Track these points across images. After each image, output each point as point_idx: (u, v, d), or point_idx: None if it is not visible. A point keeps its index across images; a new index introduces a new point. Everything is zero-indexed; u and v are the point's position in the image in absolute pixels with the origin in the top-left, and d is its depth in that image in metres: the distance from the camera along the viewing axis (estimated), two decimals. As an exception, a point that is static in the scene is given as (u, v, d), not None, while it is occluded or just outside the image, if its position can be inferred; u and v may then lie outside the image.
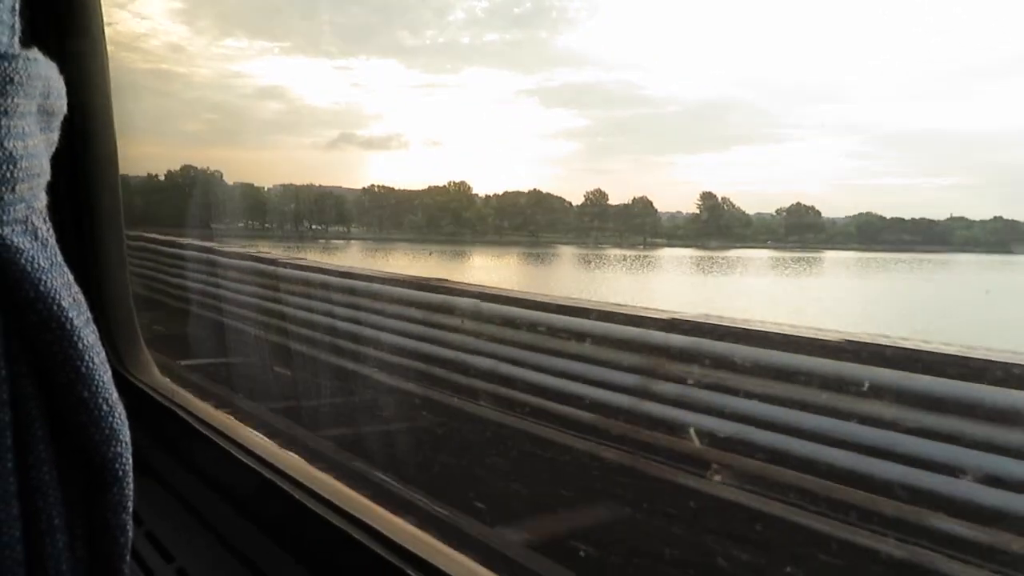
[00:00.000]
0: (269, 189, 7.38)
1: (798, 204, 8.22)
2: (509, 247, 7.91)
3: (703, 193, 7.78)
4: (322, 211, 6.96)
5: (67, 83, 0.62)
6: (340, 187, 7.54)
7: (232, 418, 1.70)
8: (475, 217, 7.68)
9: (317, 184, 7.36)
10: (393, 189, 7.31)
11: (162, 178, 6.65)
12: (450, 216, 7.37)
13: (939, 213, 6.42)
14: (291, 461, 1.62)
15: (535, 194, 8.26)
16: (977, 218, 6.30)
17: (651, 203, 9.48)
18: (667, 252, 8.79)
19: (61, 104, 0.59)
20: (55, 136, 0.59)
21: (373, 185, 7.34)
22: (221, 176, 6.86)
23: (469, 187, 7.50)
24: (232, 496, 1.64)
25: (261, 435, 1.67)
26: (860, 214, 7.19)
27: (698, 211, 7.81)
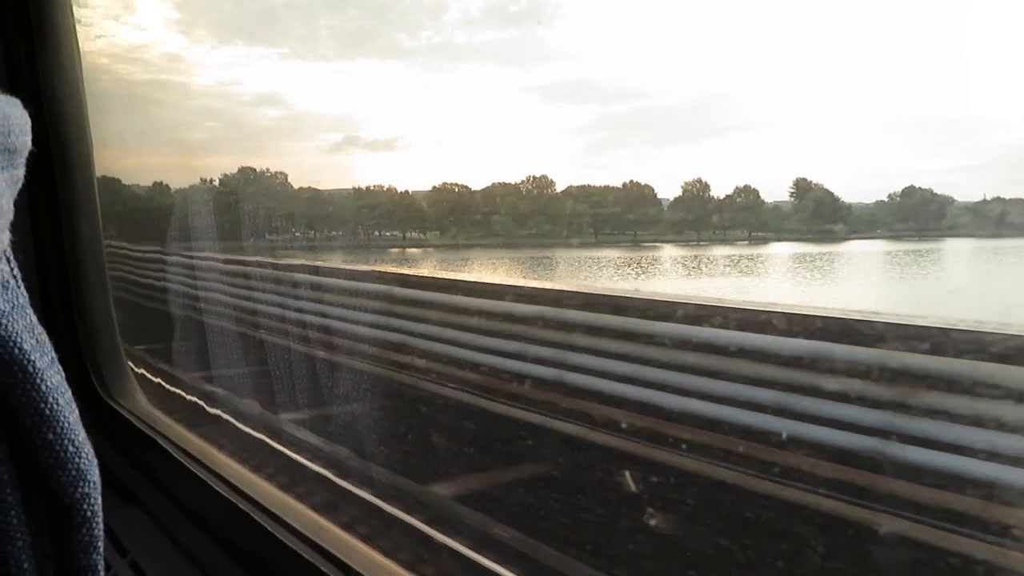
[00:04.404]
0: (330, 192, 7.30)
1: (911, 187, 7.68)
2: (604, 248, 7.67)
3: (797, 180, 7.36)
4: (398, 217, 6.88)
5: (43, 113, 0.61)
6: (411, 190, 7.28)
7: (211, 446, 1.69)
8: (569, 216, 7.44)
9: (386, 187, 7.12)
10: (469, 188, 7.09)
11: (216, 182, 6.64)
12: (540, 216, 7.19)
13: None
14: (263, 489, 1.59)
15: (632, 187, 7.94)
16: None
17: (757, 193, 8.98)
18: (786, 248, 8.30)
19: (24, 140, 0.59)
20: (19, 172, 0.59)
21: (445, 184, 7.13)
22: (286, 178, 6.83)
23: (552, 182, 7.22)
24: (209, 526, 1.63)
25: (237, 463, 1.65)
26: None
27: (794, 200, 7.39)
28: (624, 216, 7.42)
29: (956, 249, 7.30)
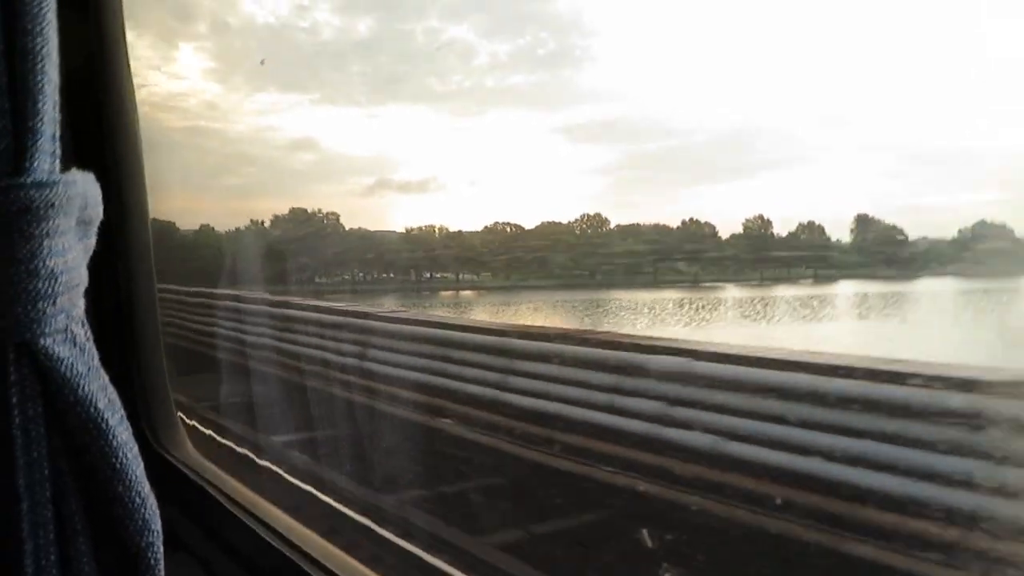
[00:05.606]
0: (382, 233, 7.36)
1: (982, 222, 7.38)
2: (664, 288, 7.56)
3: (858, 216, 7.17)
4: (452, 258, 6.90)
5: (106, 173, 0.63)
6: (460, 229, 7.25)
7: (259, 496, 1.70)
8: (627, 254, 7.39)
9: (437, 227, 7.13)
10: (522, 228, 7.10)
11: (267, 224, 6.75)
12: (596, 256, 7.15)
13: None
14: (311, 539, 1.59)
15: (691, 225, 7.84)
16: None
17: (822, 229, 8.74)
18: (854, 287, 8.03)
19: (97, 211, 0.65)
20: (92, 241, 0.65)
21: (497, 223, 7.14)
22: (338, 219, 6.94)
23: (605, 220, 7.20)
24: (257, 573, 1.63)
25: (285, 513, 1.65)
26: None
27: (854, 236, 7.20)
28: (680, 255, 7.31)
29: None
